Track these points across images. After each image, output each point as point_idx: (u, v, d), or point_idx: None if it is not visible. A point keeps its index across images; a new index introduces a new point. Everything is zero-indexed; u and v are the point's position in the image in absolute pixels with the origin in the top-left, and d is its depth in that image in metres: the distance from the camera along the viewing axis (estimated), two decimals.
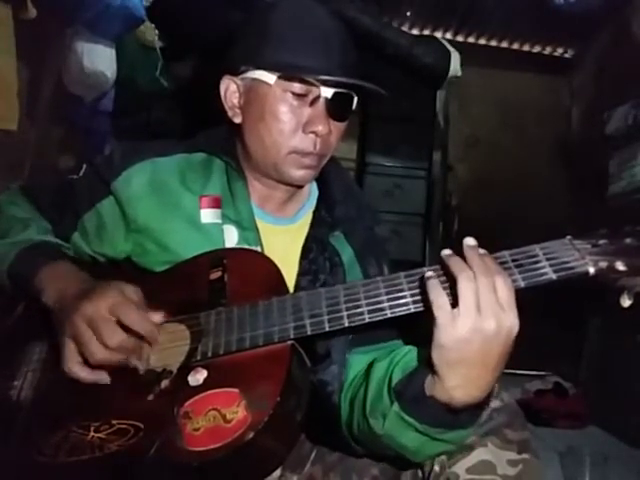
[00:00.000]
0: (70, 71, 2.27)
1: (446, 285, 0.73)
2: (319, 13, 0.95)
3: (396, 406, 0.78)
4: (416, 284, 0.77)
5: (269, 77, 0.92)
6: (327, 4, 0.98)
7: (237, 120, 0.99)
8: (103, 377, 0.82)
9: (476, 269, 0.70)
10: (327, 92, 0.92)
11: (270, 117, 0.93)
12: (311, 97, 0.93)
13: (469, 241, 0.74)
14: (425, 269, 0.77)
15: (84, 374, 0.81)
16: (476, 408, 0.75)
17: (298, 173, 0.97)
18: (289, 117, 0.93)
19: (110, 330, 0.78)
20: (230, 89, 0.98)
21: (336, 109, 0.94)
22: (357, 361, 0.97)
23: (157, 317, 0.84)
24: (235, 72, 0.97)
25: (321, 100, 0.93)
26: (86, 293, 0.81)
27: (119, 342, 0.78)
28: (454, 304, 0.70)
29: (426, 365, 0.75)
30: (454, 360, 0.70)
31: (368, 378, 0.88)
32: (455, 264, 0.71)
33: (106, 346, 0.78)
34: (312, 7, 0.96)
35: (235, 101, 0.99)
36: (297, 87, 0.92)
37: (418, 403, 0.76)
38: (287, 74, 0.92)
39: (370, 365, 0.91)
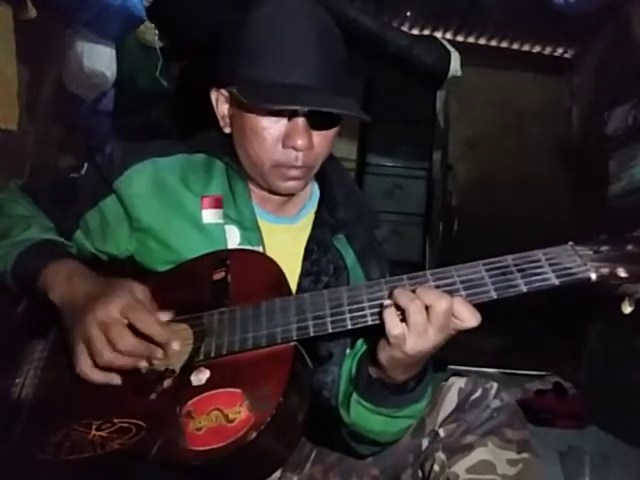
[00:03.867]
0: (70, 71, 2.27)
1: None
2: (298, 20, 0.89)
3: (355, 395, 0.87)
4: (418, 287, 0.77)
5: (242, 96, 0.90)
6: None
7: (227, 130, 0.98)
8: (114, 378, 0.81)
9: (408, 306, 0.74)
10: (302, 108, 0.89)
11: (250, 132, 0.92)
12: (288, 112, 0.90)
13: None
14: (428, 271, 0.79)
15: (97, 376, 0.80)
16: (421, 379, 0.85)
17: (284, 185, 0.96)
18: (268, 133, 0.91)
19: (121, 334, 0.77)
20: (220, 99, 0.98)
21: (318, 121, 0.91)
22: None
23: (165, 316, 0.84)
24: (221, 84, 0.96)
25: (299, 114, 0.89)
26: (97, 295, 0.80)
27: (130, 346, 0.77)
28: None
29: (369, 355, 0.85)
30: (400, 362, 0.79)
31: (340, 374, 0.95)
32: (402, 301, 0.75)
33: (117, 350, 0.77)
34: (290, 14, 0.90)
35: (225, 111, 0.98)
36: (266, 108, 0.89)
37: (370, 389, 0.85)
38: (251, 103, 0.88)
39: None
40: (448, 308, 0.73)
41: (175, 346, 0.81)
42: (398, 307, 0.75)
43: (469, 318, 0.74)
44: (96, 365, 0.79)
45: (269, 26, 0.89)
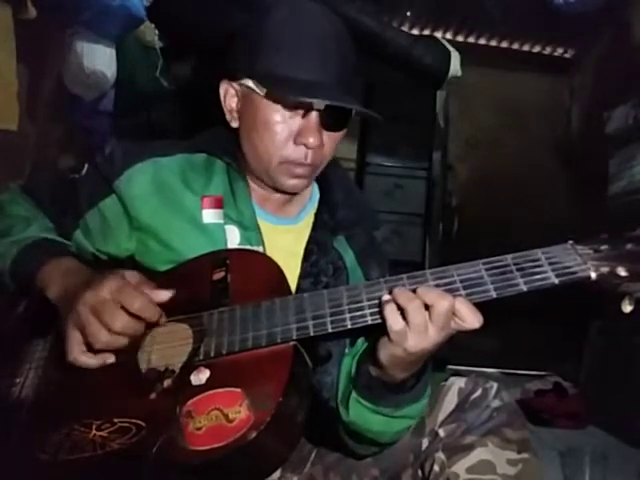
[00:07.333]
0: (70, 71, 2.27)
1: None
2: (317, 19, 0.92)
3: (354, 393, 0.87)
4: (418, 286, 0.77)
5: (261, 88, 0.91)
6: (327, 4, 0.96)
7: (234, 124, 0.99)
8: (108, 358, 0.82)
9: (408, 305, 0.74)
10: (320, 104, 0.89)
11: (262, 127, 0.92)
12: (303, 109, 0.91)
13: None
14: (427, 271, 0.79)
15: (91, 361, 0.81)
16: (420, 377, 0.85)
17: (289, 182, 0.96)
18: (281, 128, 0.91)
19: (113, 314, 0.78)
20: (229, 93, 0.98)
21: (330, 121, 0.92)
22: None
23: (164, 294, 0.83)
24: (233, 77, 0.96)
25: (313, 112, 0.91)
26: (87, 283, 0.81)
27: (123, 325, 0.78)
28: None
29: (369, 353, 0.84)
30: (400, 360, 0.79)
31: (339, 373, 0.95)
32: (401, 299, 0.75)
33: (110, 330, 0.78)
34: (310, 12, 0.93)
35: (234, 105, 0.98)
36: (289, 99, 0.90)
37: (369, 387, 0.85)
38: (274, 93, 0.89)
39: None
40: (449, 308, 0.73)
41: (164, 318, 0.83)
42: (398, 306, 0.75)
43: (471, 319, 0.74)
44: (89, 350, 0.80)
45: (291, 22, 0.91)
